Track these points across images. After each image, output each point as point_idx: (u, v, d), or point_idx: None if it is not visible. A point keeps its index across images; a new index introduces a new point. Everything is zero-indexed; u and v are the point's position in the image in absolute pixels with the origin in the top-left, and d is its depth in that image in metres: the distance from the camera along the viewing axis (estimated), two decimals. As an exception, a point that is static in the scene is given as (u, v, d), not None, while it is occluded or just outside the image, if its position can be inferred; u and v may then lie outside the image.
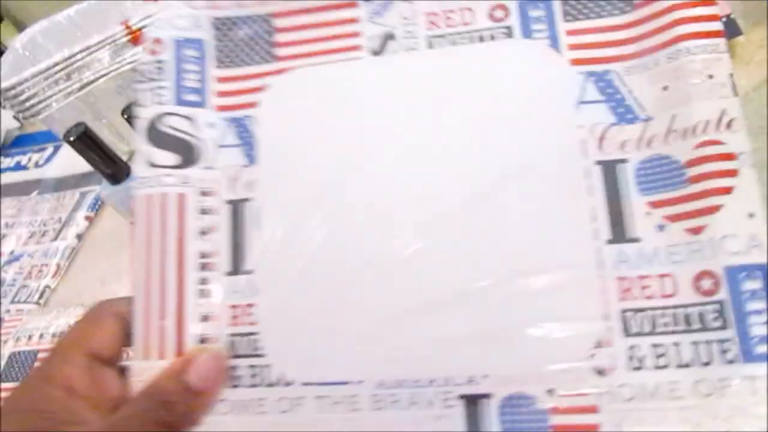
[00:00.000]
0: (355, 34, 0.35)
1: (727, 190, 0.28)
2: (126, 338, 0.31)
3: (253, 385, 0.32)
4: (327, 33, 0.36)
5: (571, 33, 0.32)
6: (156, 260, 0.33)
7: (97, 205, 0.65)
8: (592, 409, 0.28)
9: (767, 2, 0.40)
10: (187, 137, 0.35)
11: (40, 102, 0.56)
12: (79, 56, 0.57)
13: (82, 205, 0.66)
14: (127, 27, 0.58)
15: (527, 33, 0.33)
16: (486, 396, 0.29)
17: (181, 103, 0.35)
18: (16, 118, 0.59)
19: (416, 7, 0.35)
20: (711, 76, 0.29)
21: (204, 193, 0.34)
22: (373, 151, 0.33)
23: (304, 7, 0.36)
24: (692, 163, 0.29)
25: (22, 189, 0.79)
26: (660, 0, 0.31)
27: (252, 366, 0.32)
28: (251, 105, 0.36)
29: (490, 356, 0.30)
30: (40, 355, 0.51)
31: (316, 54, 0.36)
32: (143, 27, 0.57)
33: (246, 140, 0.35)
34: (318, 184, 0.33)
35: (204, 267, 0.33)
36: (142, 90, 0.35)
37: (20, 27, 0.71)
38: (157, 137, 0.34)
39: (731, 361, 0.27)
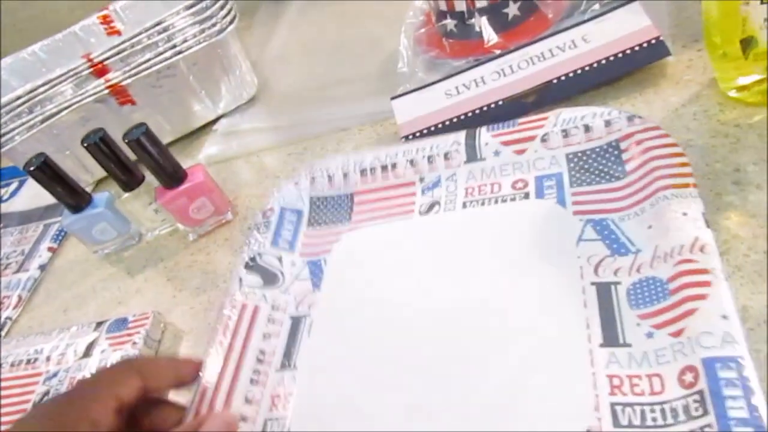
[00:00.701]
0: (410, 203, 0.46)
1: (703, 297, 0.31)
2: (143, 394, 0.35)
3: None
4: (391, 203, 0.47)
5: (575, 194, 0.40)
6: (224, 349, 0.40)
7: (61, 236, 0.64)
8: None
9: (694, 27, 0.43)
10: (273, 269, 0.45)
11: (2, 136, 0.57)
12: (41, 89, 0.57)
13: (46, 237, 0.65)
14: (90, 60, 0.58)
15: (540, 196, 0.42)
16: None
17: (276, 246, 0.47)
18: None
19: (458, 184, 0.45)
20: (685, 214, 0.35)
21: (274, 308, 0.43)
22: (409, 289, 0.41)
23: (378, 187, 0.48)
24: (673, 278, 0.33)
25: (-14, 224, 0.73)
26: (646, 165, 0.38)
27: (276, 443, 0.36)
28: (326, 252, 0.46)
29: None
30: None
31: (380, 217, 0.46)
32: (106, 59, 0.58)
33: (316, 274, 0.45)
34: (360, 309, 0.41)
35: (260, 361, 0.40)
36: (252, 237, 0.47)
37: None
38: (251, 266, 0.45)
39: (710, 445, 0.27)
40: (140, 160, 0.50)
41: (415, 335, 0.38)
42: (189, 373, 0.37)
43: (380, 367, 0.37)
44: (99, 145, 0.50)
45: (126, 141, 0.49)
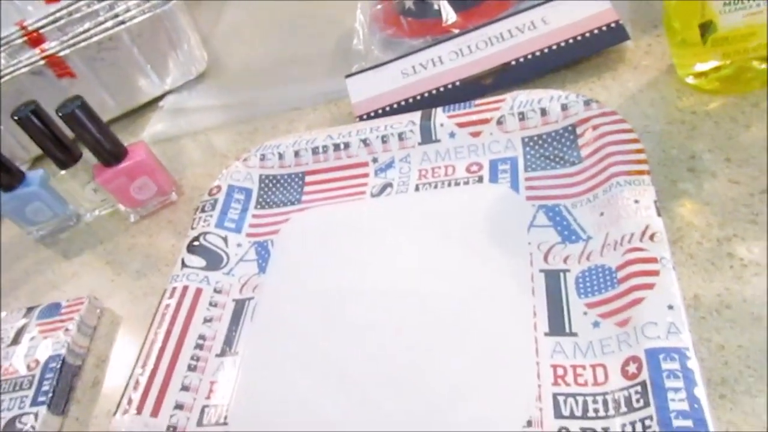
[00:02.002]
0: (362, 185, 0.44)
1: (650, 286, 0.31)
2: None
3: None
4: (342, 184, 0.45)
5: (529, 179, 0.39)
6: (162, 333, 0.38)
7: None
8: (518, 489, 0.27)
9: (653, 12, 0.42)
10: (217, 250, 0.43)
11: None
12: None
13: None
14: (23, 28, 0.54)
15: (494, 180, 0.40)
16: (416, 472, 0.29)
17: (221, 227, 0.44)
18: None
19: (412, 166, 0.44)
20: (637, 201, 0.34)
21: (217, 291, 0.41)
22: (358, 272, 0.39)
23: (330, 167, 0.46)
24: (621, 267, 0.32)
25: None
26: (601, 150, 0.37)
27: (213, 433, 0.34)
28: (274, 233, 0.44)
29: (426, 430, 0.30)
30: None
31: (331, 198, 0.45)
32: (41, 28, 0.54)
33: (263, 256, 0.43)
34: (307, 293, 0.39)
35: (199, 347, 0.38)
36: (196, 217, 0.45)
37: None
38: (195, 247, 0.43)
39: (651, 438, 0.26)
40: (76, 135, 0.47)
41: (360, 321, 0.36)
42: None
43: (324, 353, 0.36)
44: (31, 119, 0.47)
45: (60, 114, 0.45)
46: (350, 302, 0.38)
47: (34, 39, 0.55)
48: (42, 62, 0.56)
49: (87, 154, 0.50)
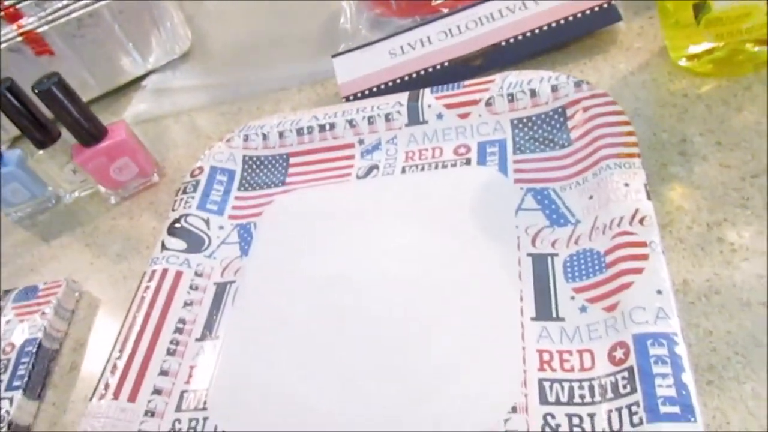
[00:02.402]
0: (348, 167, 0.43)
1: (638, 271, 0.30)
2: None
3: None
4: (327, 166, 0.44)
5: (518, 162, 0.39)
6: (141, 317, 0.37)
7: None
8: (502, 475, 0.27)
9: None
10: (198, 232, 0.42)
11: None
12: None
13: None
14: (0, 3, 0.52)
15: (483, 162, 0.40)
16: (399, 457, 0.29)
17: (203, 209, 0.43)
18: None
19: (398, 147, 0.43)
20: (627, 184, 0.33)
21: (198, 274, 0.40)
22: (342, 255, 0.38)
23: (315, 148, 0.45)
24: (610, 251, 0.32)
25: None
26: (591, 133, 0.37)
27: (192, 419, 0.34)
28: (256, 215, 0.43)
29: (407, 416, 0.30)
30: None
31: (316, 180, 0.44)
32: (18, 3, 0.52)
33: (245, 239, 0.42)
34: (290, 276, 0.38)
35: (179, 331, 0.37)
36: (178, 199, 0.44)
37: None
38: (175, 229, 0.42)
39: (637, 424, 0.26)
40: (54, 114, 0.46)
41: (344, 304, 0.36)
42: None
43: (306, 337, 0.35)
44: (6, 97, 0.45)
45: (36, 92, 0.44)
46: (334, 285, 0.37)
47: (11, 14, 0.54)
48: (19, 39, 0.54)
49: (66, 134, 0.48)
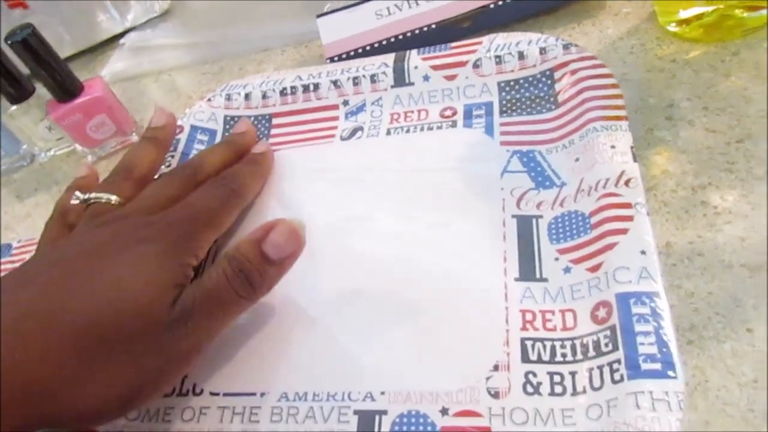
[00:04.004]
0: (332, 128, 0.43)
1: (623, 232, 0.30)
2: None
3: (166, 395, 0.32)
4: (311, 127, 0.43)
5: (504, 124, 0.38)
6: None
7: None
8: (484, 430, 0.27)
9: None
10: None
11: None
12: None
13: None
14: None
15: (469, 125, 0.39)
16: (381, 413, 0.29)
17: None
18: None
19: (384, 109, 0.42)
20: (613, 147, 0.33)
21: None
22: (325, 218, 0.38)
23: (298, 109, 0.44)
24: (595, 212, 0.31)
25: None
26: (579, 95, 0.36)
27: (171, 376, 0.33)
28: (238, 175, 0.42)
29: (389, 372, 0.30)
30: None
31: (299, 141, 0.43)
32: None
33: (225, 199, 0.41)
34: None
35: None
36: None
37: None
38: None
39: (618, 381, 0.26)
40: (27, 67, 0.44)
41: (326, 265, 0.35)
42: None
43: (290, 296, 0.34)
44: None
45: (8, 42, 0.42)
46: (315, 247, 0.36)
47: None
48: (-9, -10, 0.52)
49: (41, 90, 0.47)
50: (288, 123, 0.44)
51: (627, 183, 0.31)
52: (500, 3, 0.44)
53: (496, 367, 0.28)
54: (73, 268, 0.29)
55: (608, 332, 0.27)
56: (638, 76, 0.38)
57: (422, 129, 0.40)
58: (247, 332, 0.34)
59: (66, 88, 0.45)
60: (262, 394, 0.31)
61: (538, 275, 0.31)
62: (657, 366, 0.25)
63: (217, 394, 0.32)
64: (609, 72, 0.36)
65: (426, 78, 0.41)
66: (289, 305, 0.34)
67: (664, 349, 0.26)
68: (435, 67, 0.41)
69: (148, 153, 0.38)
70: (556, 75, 0.38)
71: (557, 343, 0.29)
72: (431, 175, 0.37)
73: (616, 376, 0.26)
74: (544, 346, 0.29)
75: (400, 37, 0.46)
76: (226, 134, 0.45)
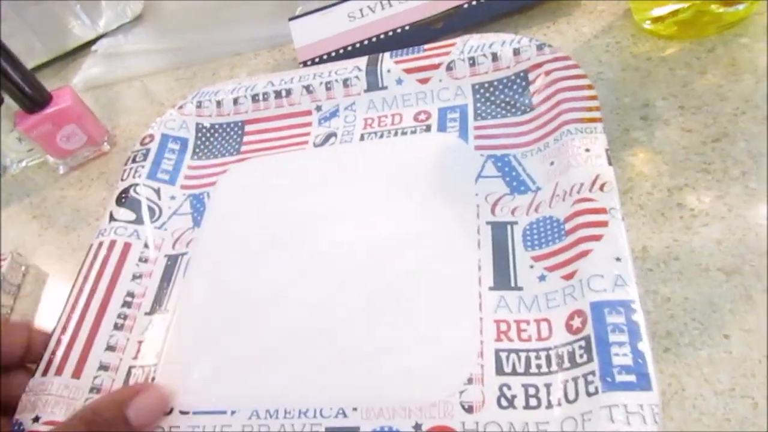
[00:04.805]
0: (305, 134, 0.42)
1: (597, 238, 0.29)
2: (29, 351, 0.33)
3: None
4: (284, 134, 0.42)
5: (478, 128, 0.37)
6: (87, 290, 0.36)
7: None
8: (457, 446, 0.26)
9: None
10: (148, 203, 0.40)
11: None
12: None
13: None
14: None
15: (443, 129, 0.38)
16: (353, 430, 0.28)
17: (153, 178, 0.41)
18: None
19: (357, 114, 0.41)
20: (588, 150, 0.32)
21: (148, 246, 0.39)
22: (298, 226, 0.37)
23: (271, 115, 0.43)
24: (569, 218, 0.31)
25: None
26: (553, 97, 0.36)
27: (140, 395, 0.32)
28: (210, 184, 0.41)
29: (361, 387, 0.29)
30: None
31: (272, 148, 0.42)
32: None
33: (198, 209, 0.40)
34: (244, 247, 0.37)
35: (127, 304, 0.36)
36: (127, 168, 0.42)
37: None
38: (124, 200, 0.40)
39: (593, 393, 0.25)
40: (-8, 78, 0.43)
41: (299, 275, 0.34)
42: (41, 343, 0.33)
43: (259, 310, 0.34)
44: None
45: (-30, 53, 0.41)
46: (288, 257, 0.36)
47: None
48: (-45, -2, 0.51)
49: (10, 100, 0.46)
50: (260, 130, 0.43)
51: (602, 187, 0.31)
52: (474, 3, 0.44)
53: (470, 380, 0.28)
54: None
55: (583, 342, 0.27)
56: (613, 75, 0.38)
57: (396, 134, 0.39)
58: (217, 350, 0.33)
59: (32, 99, 0.44)
60: (233, 412, 0.30)
61: (512, 284, 0.30)
62: (632, 377, 0.25)
63: (186, 413, 0.31)
64: (583, 73, 0.35)
65: (399, 81, 0.40)
66: (258, 321, 0.33)
67: (639, 360, 0.25)
68: (408, 70, 0.40)
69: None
70: (530, 76, 0.37)
71: (532, 354, 0.28)
72: (405, 182, 0.36)
73: (591, 389, 0.25)
74: (519, 358, 0.28)
75: (374, 39, 0.46)
76: (198, 142, 0.44)
